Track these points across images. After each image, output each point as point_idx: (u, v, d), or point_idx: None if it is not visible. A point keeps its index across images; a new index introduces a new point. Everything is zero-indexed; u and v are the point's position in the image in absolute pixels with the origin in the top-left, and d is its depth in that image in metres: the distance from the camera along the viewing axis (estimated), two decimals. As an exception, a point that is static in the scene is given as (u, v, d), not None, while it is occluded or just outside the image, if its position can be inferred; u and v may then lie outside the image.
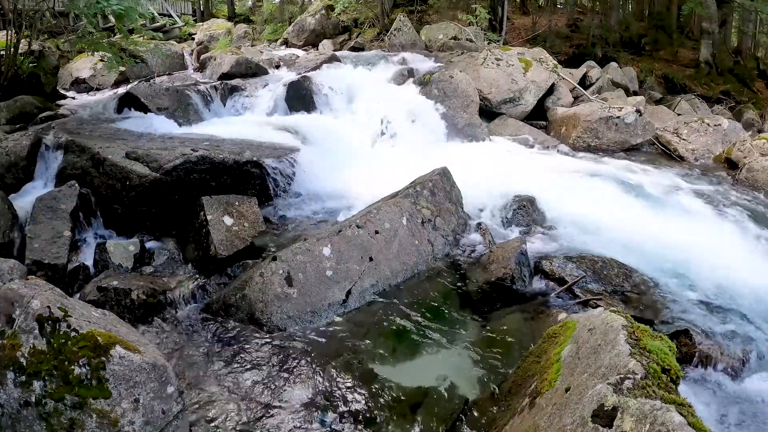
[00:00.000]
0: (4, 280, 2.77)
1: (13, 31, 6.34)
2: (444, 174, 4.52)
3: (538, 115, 8.61)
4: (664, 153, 7.45)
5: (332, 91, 7.30)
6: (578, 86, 9.68)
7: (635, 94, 11.32)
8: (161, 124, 5.62)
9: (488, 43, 11.39)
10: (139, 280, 3.49)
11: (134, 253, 3.83)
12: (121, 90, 7.58)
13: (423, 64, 9.38)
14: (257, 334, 3.12)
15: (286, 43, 14.37)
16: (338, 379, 2.76)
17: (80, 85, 9.77)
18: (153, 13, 14.38)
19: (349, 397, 2.65)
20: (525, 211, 4.63)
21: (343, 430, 2.46)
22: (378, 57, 9.75)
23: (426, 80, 7.75)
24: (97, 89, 9.59)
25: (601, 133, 7.47)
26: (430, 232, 4.11)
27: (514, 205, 4.66)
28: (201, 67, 10.27)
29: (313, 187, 4.85)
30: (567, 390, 2.03)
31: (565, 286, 3.64)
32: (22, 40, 6.64)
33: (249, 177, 4.41)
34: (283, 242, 3.91)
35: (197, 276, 3.71)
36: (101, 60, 8.84)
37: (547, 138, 7.77)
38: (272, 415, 2.52)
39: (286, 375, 2.79)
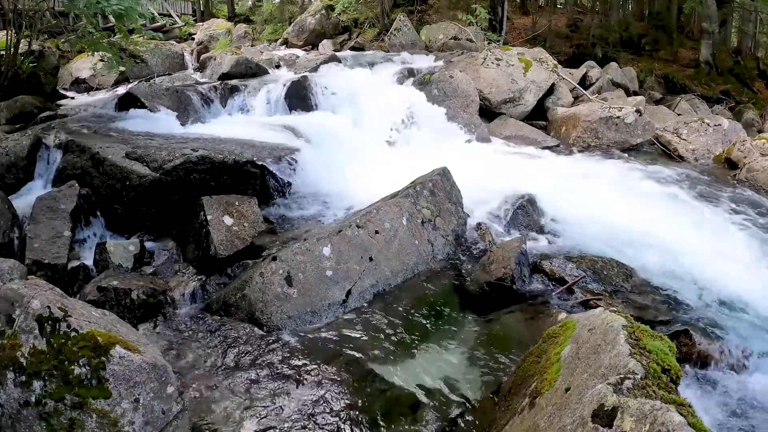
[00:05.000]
0: (4, 280, 2.77)
1: (13, 31, 6.34)
2: (444, 174, 4.52)
3: (538, 115, 8.61)
4: (664, 153, 7.44)
5: (332, 91, 7.29)
6: (578, 86, 9.67)
7: (635, 94, 11.31)
8: (161, 124, 5.61)
9: (488, 43, 11.38)
10: (139, 280, 3.49)
11: (134, 253, 3.83)
12: (121, 90, 7.60)
13: (423, 64, 9.38)
14: (257, 334, 3.12)
15: (286, 43, 14.36)
16: (338, 379, 2.77)
17: (80, 85, 9.78)
18: (153, 13, 14.38)
19: (349, 397, 2.65)
20: (525, 211, 4.63)
21: (343, 429, 2.46)
22: (378, 57, 9.76)
23: (426, 80, 7.75)
24: (97, 89, 9.60)
25: (601, 133, 7.46)
26: (430, 232, 4.12)
27: (514, 204, 4.66)
28: (201, 67, 10.29)
29: (313, 187, 4.84)
30: (567, 390, 2.03)
31: (565, 286, 3.64)
32: (22, 40, 6.64)
33: (249, 177, 4.40)
34: (283, 242, 3.91)
35: (197, 276, 3.70)
36: (101, 60, 8.87)
37: (547, 138, 7.77)
38: (272, 415, 2.52)
39: (286, 375, 2.79)
